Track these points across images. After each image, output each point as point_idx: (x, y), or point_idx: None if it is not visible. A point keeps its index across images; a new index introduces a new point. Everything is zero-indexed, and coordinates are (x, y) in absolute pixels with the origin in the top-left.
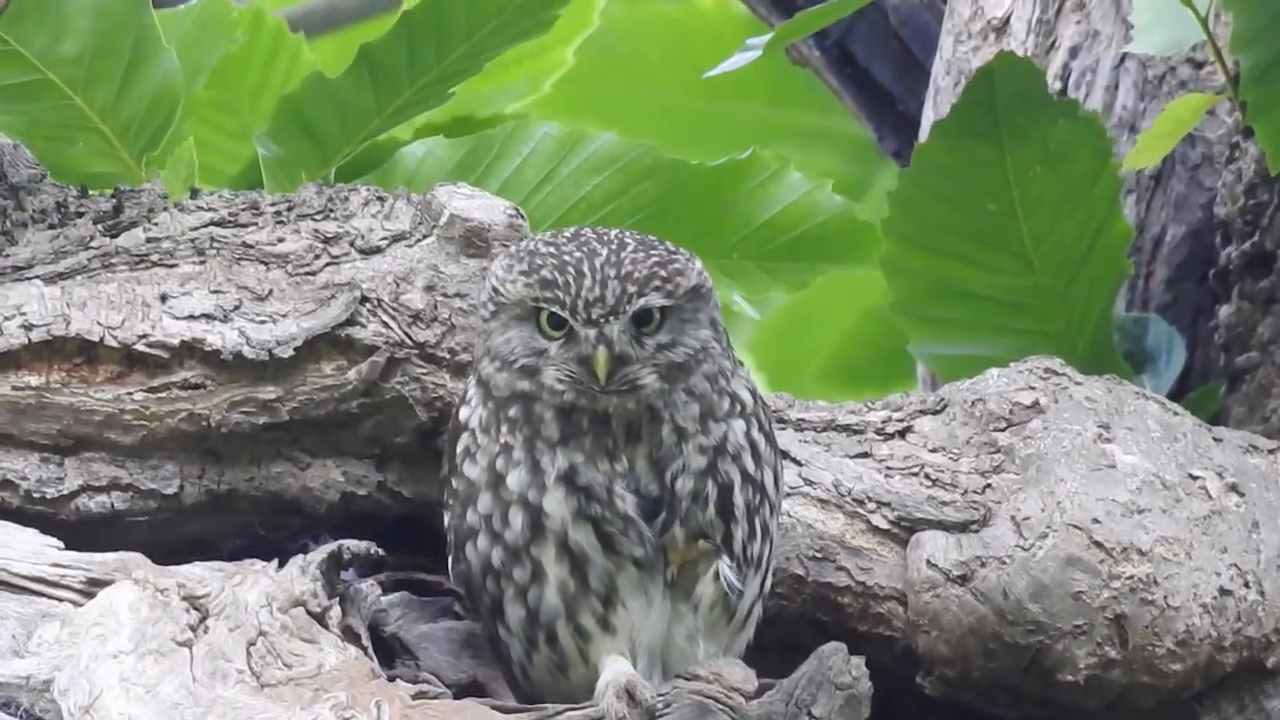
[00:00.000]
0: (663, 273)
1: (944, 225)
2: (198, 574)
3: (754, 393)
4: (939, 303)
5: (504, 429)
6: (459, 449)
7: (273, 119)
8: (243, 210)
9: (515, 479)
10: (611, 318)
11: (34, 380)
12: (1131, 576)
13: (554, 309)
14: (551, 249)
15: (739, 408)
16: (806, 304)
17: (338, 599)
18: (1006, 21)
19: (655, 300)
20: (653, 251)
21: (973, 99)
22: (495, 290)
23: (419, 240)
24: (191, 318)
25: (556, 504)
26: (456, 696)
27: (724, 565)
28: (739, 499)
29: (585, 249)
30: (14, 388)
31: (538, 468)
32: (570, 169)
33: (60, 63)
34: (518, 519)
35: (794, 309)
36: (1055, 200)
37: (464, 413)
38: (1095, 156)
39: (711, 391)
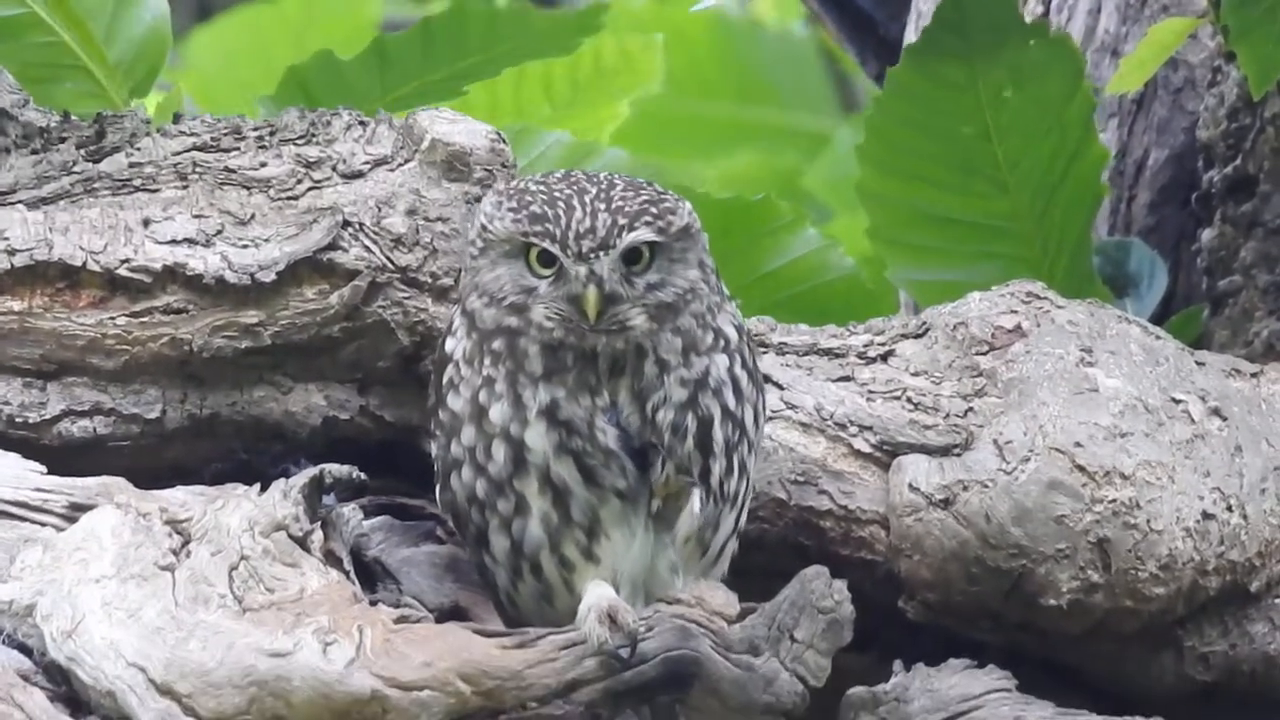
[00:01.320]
0: (654, 209)
1: (918, 150)
2: (180, 498)
3: (740, 329)
4: (915, 228)
5: (487, 361)
6: (444, 380)
7: (277, 88)
8: (225, 135)
9: (497, 412)
10: (601, 253)
11: (16, 305)
12: (1114, 500)
13: (544, 244)
14: (542, 187)
15: (723, 343)
16: None
17: (319, 523)
18: None
19: (645, 235)
20: (642, 190)
21: (942, 22)
22: (484, 227)
23: (401, 165)
24: (174, 242)
25: (538, 438)
26: (439, 620)
27: (696, 498)
28: (718, 434)
29: (575, 187)
30: None
31: (520, 402)
32: None
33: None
34: (500, 452)
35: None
36: (1028, 123)
37: (449, 344)
38: (1067, 78)
39: (696, 327)
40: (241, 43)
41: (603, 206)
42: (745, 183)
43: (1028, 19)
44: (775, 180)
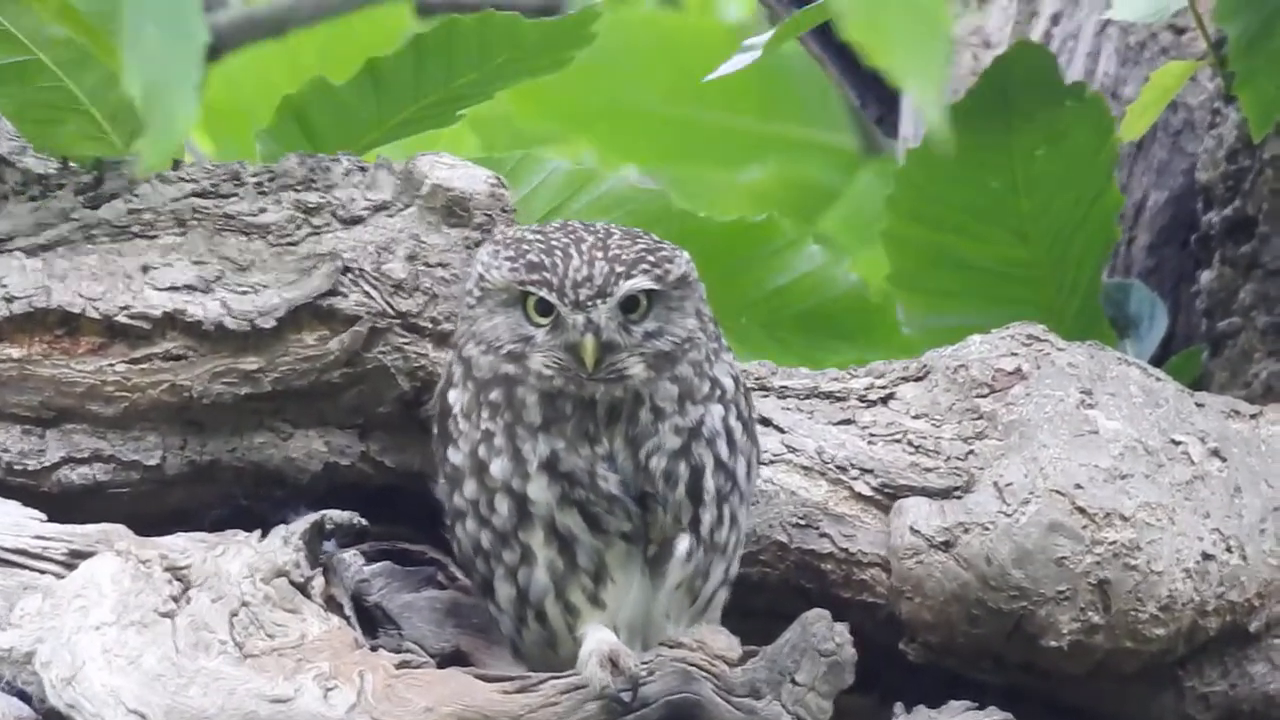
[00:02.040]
0: (650, 258)
1: (945, 200)
2: (180, 545)
3: (736, 379)
4: (934, 273)
5: (485, 414)
6: (446, 431)
7: (274, 118)
8: (224, 181)
9: (498, 467)
10: (599, 301)
11: (15, 352)
12: (1114, 542)
13: (541, 292)
14: (539, 236)
15: (719, 392)
16: None
17: (320, 569)
18: None
19: (643, 283)
20: (639, 240)
21: (989, 85)
22: (481, 276)
23: (401, 210)
24: (173, 289)
25: (540, 491)
26: (440, 665)
27: (684, 544)
28: (710, 483)
29: (572, 236)
30: None
31: (519, 455)
32: (579, 205)
33: (52, 44)
34: (504, 505)
35: None
36: (1055, 177)
37: (451, 396)
38: (1097, 135)
39: (693, 375)
40: (250, 80)
41: (600, 255)
42: (768, 198)
43: None
44: (799, 196)
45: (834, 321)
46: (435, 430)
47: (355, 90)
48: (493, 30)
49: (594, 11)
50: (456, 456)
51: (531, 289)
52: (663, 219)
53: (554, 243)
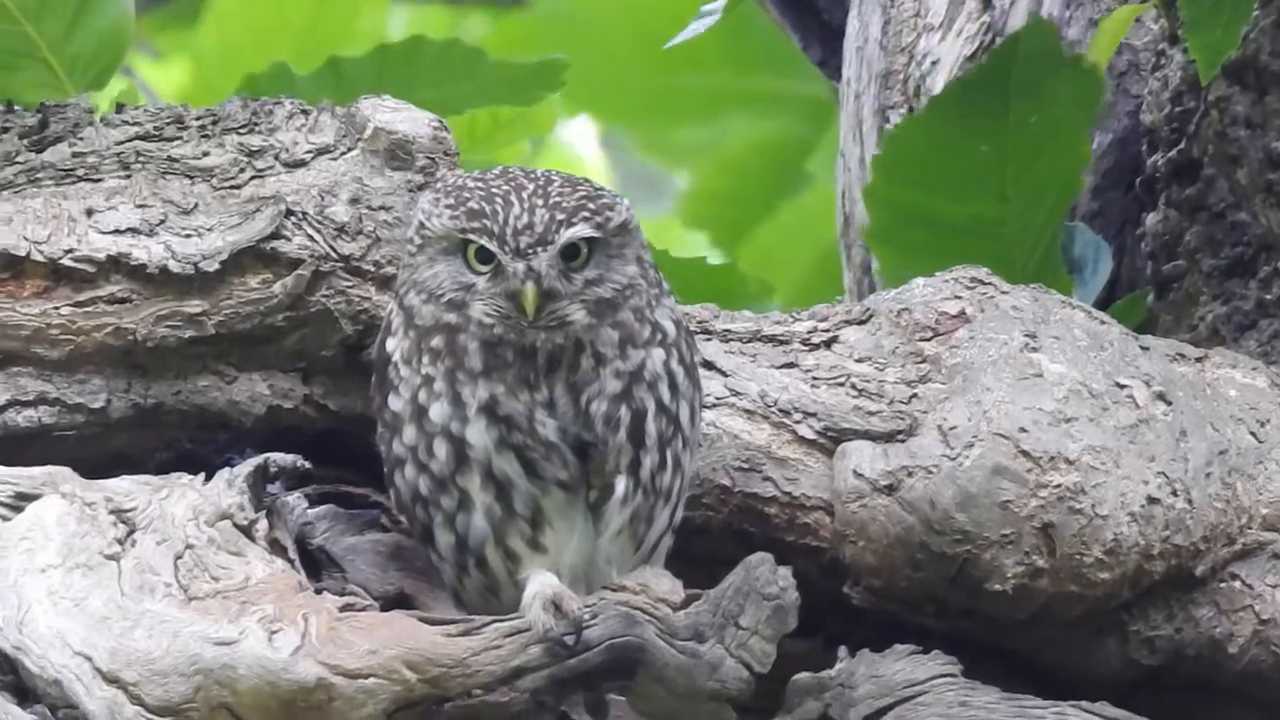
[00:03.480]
0: (591, 205)
1: (933, 162)
2: (125, 488)
3: (678, 324)
4: (909, 230)
5: (425, 360)
6: (386, 379)
7: (235, 94)
8: (168, 124)
9: (437, 411)
10: (539, 249)
11: None
12: (1059, 485)
13: (482, 240)
14: (480, 183)
15: (660, 336)
16: (769, 242)
17: (264, 512)
18: None
19: (583, 231)
20: (580, 187)
21: (996, 62)
22: (421, 224)
23: (344, 153)
24: (117, 232)
25: (479, 434)
26: (384, 608)
27: (621, 487)
28: (651, 427)
29: (513, 183)
30: None
31: (459, 399)
32: None
33: None
34: (442, 450)
35: (759, 246)
36: (1041, 140)
37: (390, 344)
38: (1084, 104)
39: (634, 321)
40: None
41: (540, 203)
42: (741, 166)
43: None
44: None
45: None
46: (374, 379)
47: (316, 83)
48: (455, 59)
49: (563, 62)
50: (396, 403)
51: (472, 237)
52: None
53: (494, 190)
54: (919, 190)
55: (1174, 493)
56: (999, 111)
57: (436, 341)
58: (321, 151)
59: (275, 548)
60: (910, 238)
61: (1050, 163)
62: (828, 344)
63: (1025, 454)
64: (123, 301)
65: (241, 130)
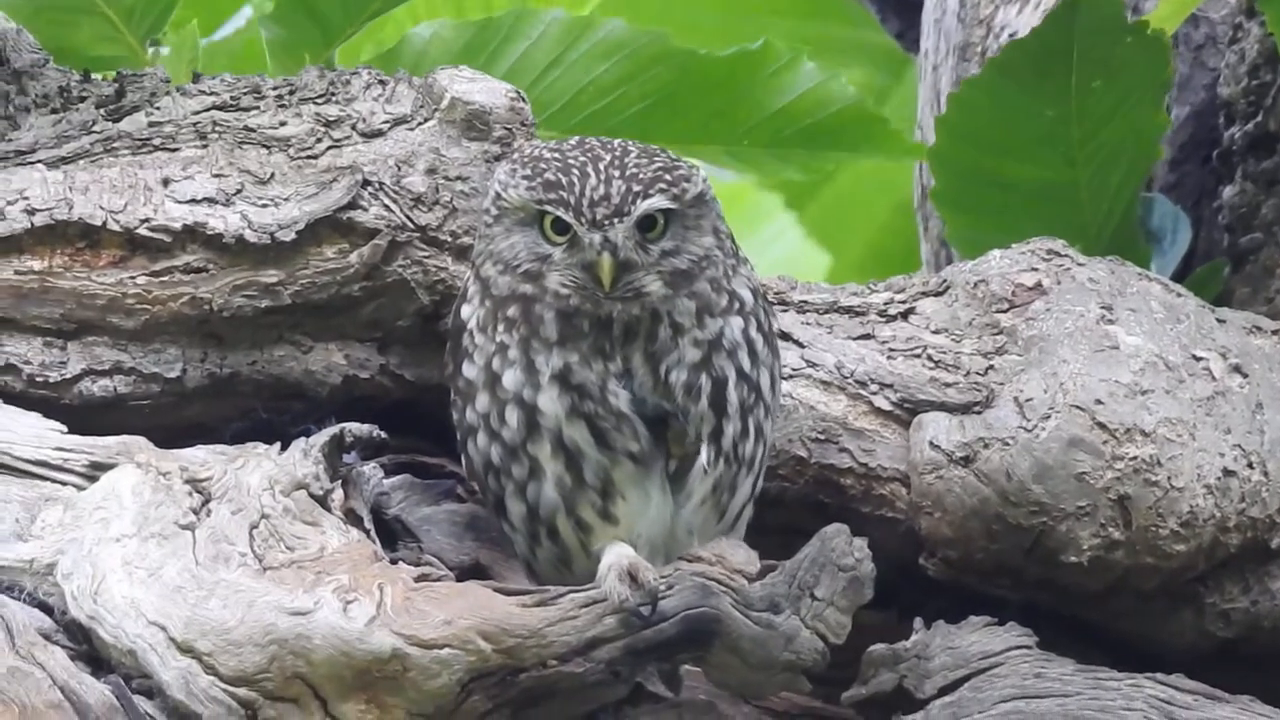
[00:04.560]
0: (668, 176)
1: (999, 125)
2: (200, 457)
3: (756, 292)
4: (978, 192)
5: (500, 328)
6: (460, 347)
7: (276, 4)
8: (244, 94)
9: (510, 378)
10: (616, 220)
11: (37, 265)
12: (1135, 457)
13: (558, 211)
14: (556, 154)
15: (737, 305)
16: (841, 198)
17: (340, 482)
18: None
19: (660, 202)
20: (656, 158)
21: (1054, 25)
22: (498, 195)
23: (420, 124)
24: (194, 201)
25: (550, 402)
26: (459, 578)
27: (704, 455)
28: (732, 395)
29: (590, 154)
30: (17, 272)
31: (532, 367)
32: (578, 54)
33: None
34: (514, 417)
35: (829, 203)
36: (1108, 106)
37: (465, 311)
38: (1153, 72)
39: (710, 291)
40: None
41: (617, 174)
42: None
43: None
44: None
45: (835, 135)
46: (449, 346)
47: None
48: None
49: None
50: (471, 370)
51: (549, 208)
52: (663, 58)
53: (571, 161)
54: (985, 153)
55: (1250, 465)
56: (1061, 76)
57: (512, 311)
58: (398, 122)
59: (351, 518)
60: (979, 200)
61: (1121, 129)
62: (904, 315)
63: (1101, 426)
64: (199, 271)
65: (318, 100)
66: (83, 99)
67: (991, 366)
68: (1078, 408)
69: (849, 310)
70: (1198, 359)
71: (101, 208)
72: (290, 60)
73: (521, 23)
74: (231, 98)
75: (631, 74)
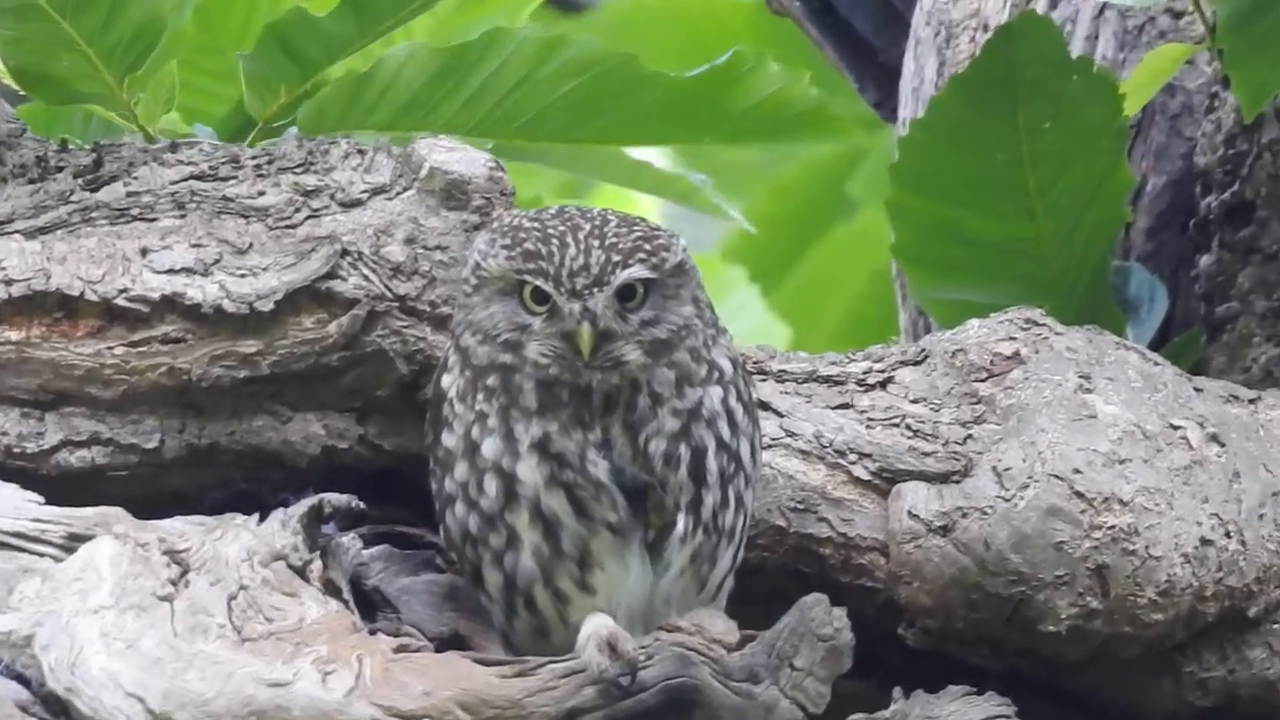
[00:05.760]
0: (647, 246)
1: (951, 172)
2: (178, 528)
3: (735, 362)
4: (940, 246)
5: (480, 397)
6: (440, 417)
7: (256, 44)
8: (223, 163)
9: (490, 447)
10: (595, 290)
11: (14, 335)
12: (1113, 526)
13: (538, 281)
14: (535, 223)
15: (717, 374)
16: (819, 266)
17: (319, 552)
18: None
19: (639, 272)
20: (636, 227)
21: (991, 55)
22: (477, 265)
23: (399, 193)
24: (172, 271)
25: (529, 470)
26: (438, 649)
27: (680, 525)
28: (712, 464)
29: (569, 224)
30: None
31: (511, 435)
32: (549, 70)
33: None
34: (492, 486)
35: (809, 274)
36: (1063, 153)
37: (445, 380)
38: (1106, 112)
39: (690, 360)
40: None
41: (597, 244)
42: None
43: None
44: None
45: (796, 132)
46: (429, 415)
47: (337, 17)
48: None
49: None
50: (450, 439)
51: (528, 278)
52: (634, 82)
53: (550, 231)
54: (941, 202)
55: (1227, 534)
56: (1007, 113)
57: (492, 380)
58: (377, 191)
59: (329, 588)
60: (941, 254)
61: (1080, 179)
62: (883, 384)
63: (1079, 495)
64: (177, 341)
65: (297, 170)
66: (60, 169)
67: (970, 436)
68: (1056, 477)
69: (828, 379)
70: (1175, 428)
71: (79, 278)
72: (268, 94)
73: (495, 43)
74: (210, 167)
75: (603, 91)
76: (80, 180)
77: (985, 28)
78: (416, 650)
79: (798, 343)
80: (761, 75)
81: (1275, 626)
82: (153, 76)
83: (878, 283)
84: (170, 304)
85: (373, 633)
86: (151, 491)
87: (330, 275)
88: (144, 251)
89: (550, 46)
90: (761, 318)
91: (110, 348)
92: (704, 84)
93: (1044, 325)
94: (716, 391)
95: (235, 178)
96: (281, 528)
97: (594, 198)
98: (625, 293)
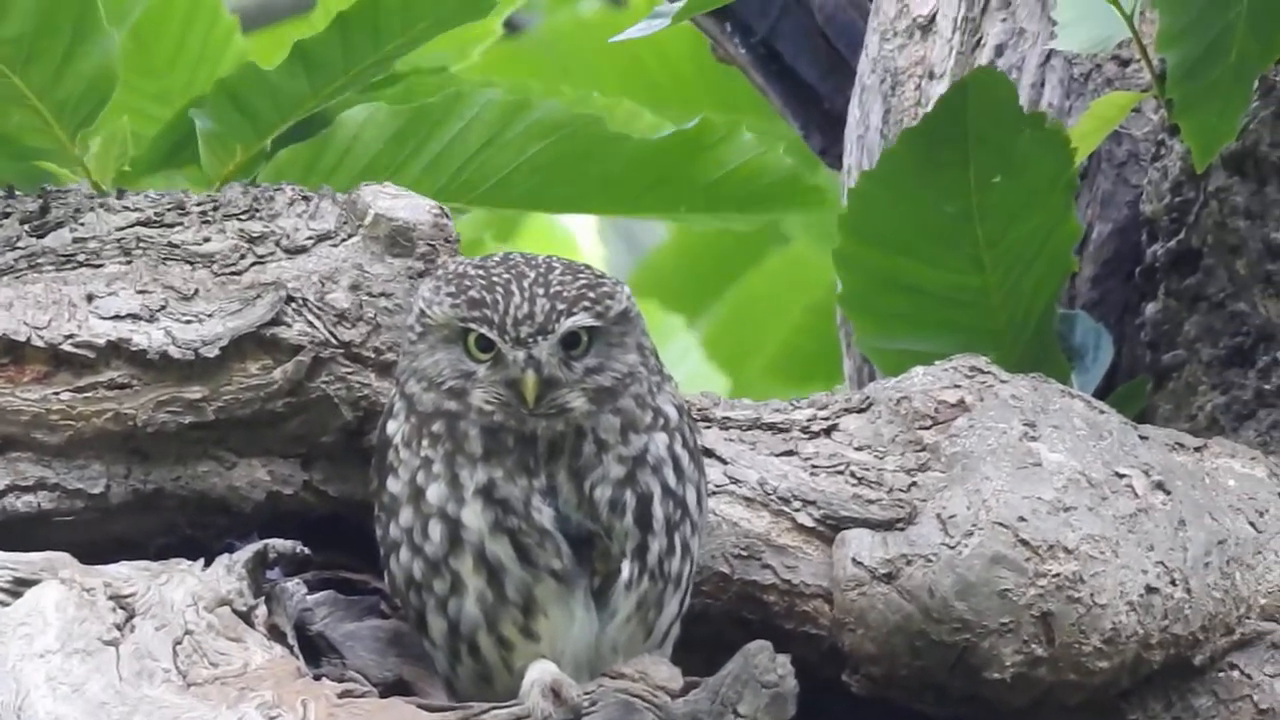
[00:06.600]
0: (591, 294)
1: (900, 223)
2: (124, 573)
3: (680, 409)
4: (886, 296)
5: (425, 443)
6: (385, 463)
7: (210, 99)
8: (169, 210)
9: (434, 492)
10: (540, 338)
11: None
12: (1058, 574)
13: (482, 329)
14: (480, 271)
15: (662, 421)
16: (754, 299)
17: (263, 598)
18: (932, 19)
19: (584, 320)
20: (580, 274)
21: (944, 109)
22: (422, 312)
23: (344, 240)
24: (118, 317)
25: (474, 516)
26: (383, 695)
27: (625, 571)
28: (658, 510)
29: (514, 271)
30: None
31: (456, 481)
32: (514, 134)
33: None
34: (436, 531)
35: (742, 304)
36: (1013, 205)
37: (390, 427)
38: (1056, 165)
39: (635, 407)
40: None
41: (541, 292)
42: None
43: None
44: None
45: (771, 202)
46: (374, 461)
47: (286, 72)
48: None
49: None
50: (395, 485)
51: (473, 326)
52: (600, 145)
53: (495, 279)
54: (889, 253)
55: (1173, 582)
56: (958, 166)
57: (437, 426)
58: (322, 238)
59: (274, 634)
60: (887, 304)
61: (1029, 231)
62: (827, 432)
63: (1024, 543)
64: (123, 387)
65: (242, 216)
66: (6, 215)
67: (915, 483)
68: (1000, 524)
69: (772, 427)
70: (1120, 476)
71: (25, 324)
72: (224, 152)
73: (456, 105)
74: (156, 214)
75: (568, 154)
76: (27, 226)
77: (931, 75)
78: (361, 696)
79: (733, 374)
80: (733, 144)
81: (1220, 675)
82: (104, 130)
83: (815, 317)
84: (116, 350)
85: (317, 678)
86: (97, 536)
87: (275, 321)
88: (90, 297)
89: (515, 109)
90: (703, 366)
91: (56, 393)
92: (672, 148)
93: (989, 373)
94: (662, 438)
95: (181, 224)
96: (226, 573)
97: (526, 226)
98: (570, 340)
